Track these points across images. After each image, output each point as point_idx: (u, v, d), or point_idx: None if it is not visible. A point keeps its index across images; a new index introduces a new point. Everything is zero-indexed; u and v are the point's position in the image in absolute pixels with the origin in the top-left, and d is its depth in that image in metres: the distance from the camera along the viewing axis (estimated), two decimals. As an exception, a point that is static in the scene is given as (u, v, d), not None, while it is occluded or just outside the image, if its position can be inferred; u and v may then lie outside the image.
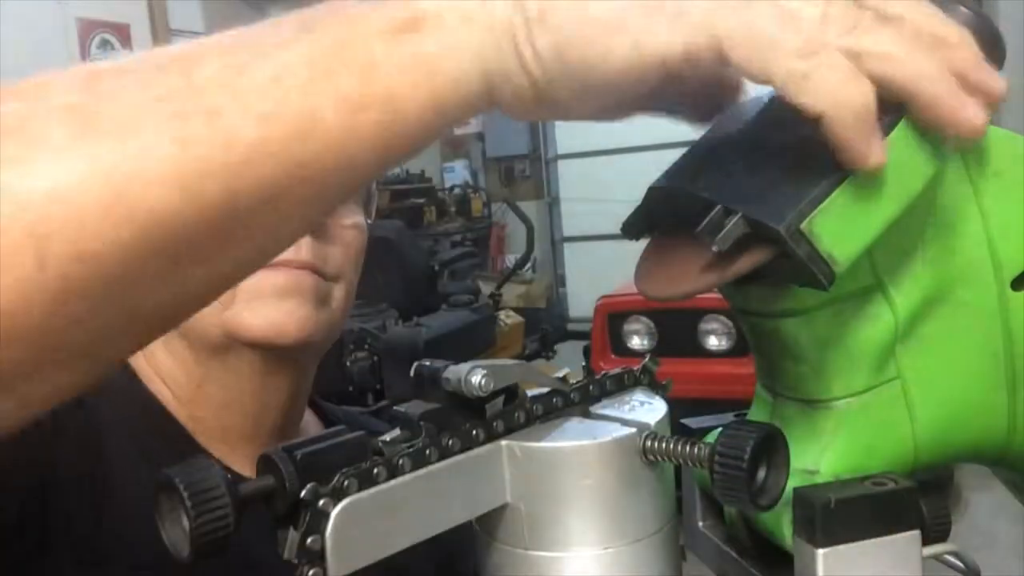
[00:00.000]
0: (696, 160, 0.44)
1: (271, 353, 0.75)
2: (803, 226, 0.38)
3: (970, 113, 0.38)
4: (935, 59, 0.38)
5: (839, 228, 0.39)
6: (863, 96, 0.36)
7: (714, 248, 0.39)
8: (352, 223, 0.80)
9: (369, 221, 0.83)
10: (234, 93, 0.36)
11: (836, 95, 0.36)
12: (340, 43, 0.37)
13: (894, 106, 0.38)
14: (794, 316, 0.44)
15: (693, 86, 0.44)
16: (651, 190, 0.44)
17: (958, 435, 0.48)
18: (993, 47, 0.43)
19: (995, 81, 0.39)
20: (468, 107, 0.39)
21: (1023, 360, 0.47)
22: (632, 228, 0.46)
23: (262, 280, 0.72)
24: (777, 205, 0.38)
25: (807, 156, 0.39)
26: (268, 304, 0.73)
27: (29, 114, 0.34)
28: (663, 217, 0.45)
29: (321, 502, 0.37)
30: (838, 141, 0.37)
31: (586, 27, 0.37)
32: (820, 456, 0.46)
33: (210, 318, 0.73)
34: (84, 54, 5.33)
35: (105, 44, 5.46)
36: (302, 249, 0.73)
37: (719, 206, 0.39)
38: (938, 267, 0.45)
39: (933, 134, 0.40)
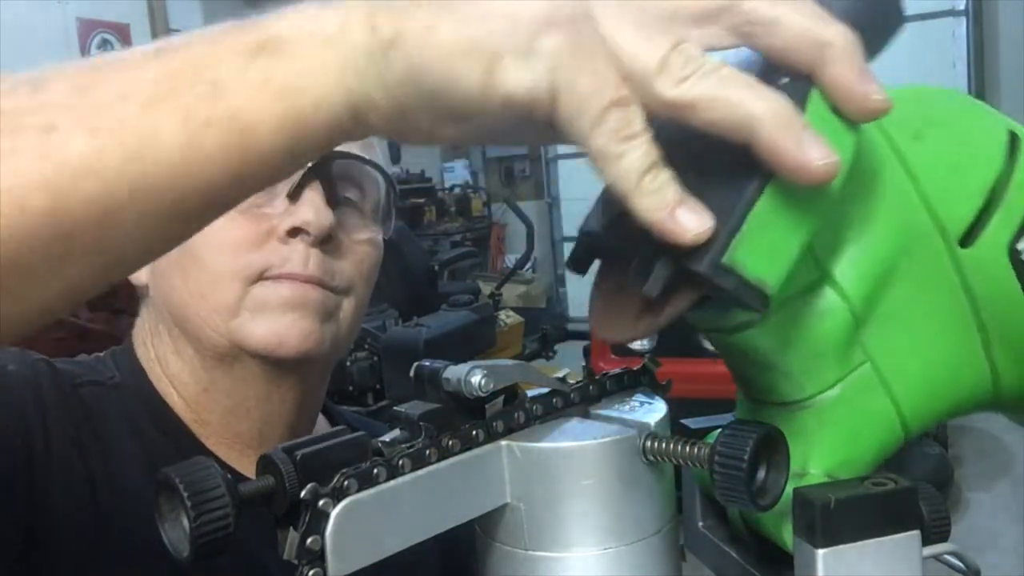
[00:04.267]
0: (615, 200, 0.44)
1: (274, 364, 0.75)
2: (725, 260, 0.37)
3: (813, 157, 0.36)
4: (772, 98, 0.36)
5: (763, 252, 0.38)
6: (658, 183, 0.36)
7: (645, 293, 0.38)
8: (366, 238, 0.80)
9: (385, 238, 0.83)
10: (73, 110, 0.36)
11: (636, 181, 0.36)
12: (189, 64, 0.37)
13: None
14: (749, 328, 0.44)
15: None
16: (581, 232, 0.44)
17: (942, 397, 0.48)
18: (889, 13, 0.42)
19: (874, 93, 0.38)
20: (333, 131, 0.39)
21: (989, 311, 0.47)
22: (575, 266, 0.46)
23: (269, 292, 0.73)
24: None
25: (715, 179, 0.38)
26: (272, 316, 0.73)
27: None
28: (602, 253, 0.45)
29: (321, 502, 0.37)
30: (645, 223, 0.36)
31: (436, 53, 0.36)
32: (807, 456, 0.46)
33: (216, 327, 0.74)
34: (84, 54, 5.33)
35: (105, 44, 5.47)
36: (310, 263, 0.74)
37: (642, 252, 0.39)
38: (882, 244, 0.45)
39: (839, 120, 0.39)
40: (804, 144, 0.36)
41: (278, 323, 0.73)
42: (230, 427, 0.78)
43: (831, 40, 0.37)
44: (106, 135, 0.35)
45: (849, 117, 0.39)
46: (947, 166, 0.46)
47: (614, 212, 0.41)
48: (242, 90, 0.37)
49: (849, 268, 0.45)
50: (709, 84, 0.36)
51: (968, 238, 0.46)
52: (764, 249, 0.38)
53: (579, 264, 0.45)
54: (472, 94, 0.36)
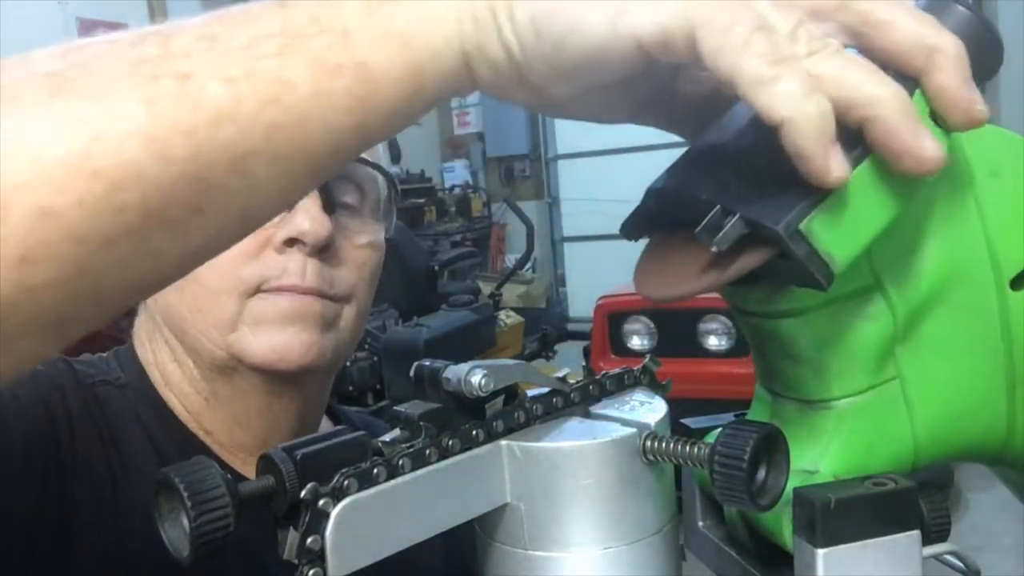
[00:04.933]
0: (694, 162, 0.44)
1: (275, 376, 0.74)
2: (802, 226, 0.38)
3: (926, 146, 0.37)
4: (894, 85, 0.37)
5: (838, 228, 0.38)
6: (821, 110, 0.36)
7: (713, 249, 0.39)
8: (367, 242, 0.78)
9: (387, 237, 0.81)
10: (206, 59, 0.36)
11: (796, 105, 0.36)
12: (315, 15, 0.37)
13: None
14: (792, 317, 0.44)
15: (684, 97, 0.44)
16: (650, 191, 0.44)
17: (957, 434, 0.48)
18: (990, 49, 0.43)
19: (977, 103, 0.39)
20: (448, 81, 0.39)
21: (1022, 359, 0.47)
22: (631, 229, 0.46)
23: (267, 305, 0.72)
24: (776, 206, 0.38)
25: None
26: (272, 329, 0.72)
27: (7, 81, 0.35)
28: (662, 218, 0.45)
29: (321, 502, 0.37)
30: (796, 151, 0.36)
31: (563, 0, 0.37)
32: (820, 456, 0.46)
33: (215, 341, 0.73)
34: (84, 54, 5.33)
35: (105, 44, 5.46)
36: (308, 274, 0.72)
37: (718, 207, 0.39)
38: (937, 266, 0.45)
39: (936, 128, 0.40)
40: (919, 132, 0.37)
41: (278, 337, 0.72)
42: (234, 437, 0.77)
43: (942, 47, 0.38)
44: (241, 82, 0.36)
45: (949, 124, 0.40)
46: (1015, 208, 0.47)
47: (688, 172, 0.42)
48: (368, 39, 0.37)
49: (902, 281, 0.45)
50: (836, 62, 0.37)
51: (1019, 281, 0.47)
52: (840, 226, 0.39)
53: (634, 230, 0.46)
54: (599, 39, 0.37)
